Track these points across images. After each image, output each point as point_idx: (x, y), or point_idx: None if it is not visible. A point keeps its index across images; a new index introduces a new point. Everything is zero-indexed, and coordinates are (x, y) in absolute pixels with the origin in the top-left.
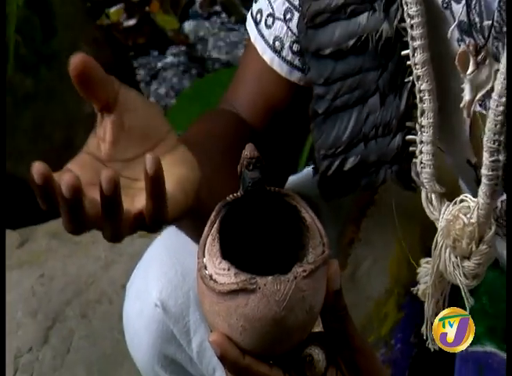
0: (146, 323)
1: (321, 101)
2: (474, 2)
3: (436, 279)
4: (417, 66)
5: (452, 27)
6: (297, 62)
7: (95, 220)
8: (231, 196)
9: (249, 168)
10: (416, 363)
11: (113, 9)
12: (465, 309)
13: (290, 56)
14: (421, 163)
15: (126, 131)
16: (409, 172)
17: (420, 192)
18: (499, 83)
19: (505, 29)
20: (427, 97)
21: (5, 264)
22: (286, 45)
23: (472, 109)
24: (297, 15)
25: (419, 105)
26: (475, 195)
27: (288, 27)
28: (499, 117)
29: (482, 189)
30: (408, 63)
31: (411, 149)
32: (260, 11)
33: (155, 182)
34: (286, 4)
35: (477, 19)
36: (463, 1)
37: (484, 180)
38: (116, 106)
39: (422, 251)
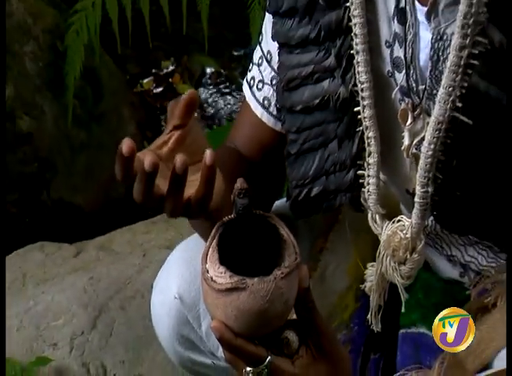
0: (167, 311)
1: (293, 144)
2: (411, 72)
3: (379, 278)
4: (366, 120)
5: (395, 90)
6: (280, 116)
7: (159, 197)
8: (226, 217)
9: (239, 196)
10: (369, 341)
11: (145, 80)
12: (401, 301)
13: (275, 112)
14: (368, 191)
15: (184, 145)
16: (359, 198)
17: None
18: (429, 133)
19: (435, 91)
20: (372, 142)
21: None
22: (273, 103)
23: (410, 151)
24: None
25: (367, 148)
26: (411, 216)
27: (274, 90)
28: (429, 159)
29: (415, 212)
30: (359, 117)
31: (361, 181)
32: (253, 78)
33: (210, 171)
34: (272, 73)
35: (414, 85)
36: (404, 71)
37: (416, 205)
38: (185, 128)
39: (372, 257)
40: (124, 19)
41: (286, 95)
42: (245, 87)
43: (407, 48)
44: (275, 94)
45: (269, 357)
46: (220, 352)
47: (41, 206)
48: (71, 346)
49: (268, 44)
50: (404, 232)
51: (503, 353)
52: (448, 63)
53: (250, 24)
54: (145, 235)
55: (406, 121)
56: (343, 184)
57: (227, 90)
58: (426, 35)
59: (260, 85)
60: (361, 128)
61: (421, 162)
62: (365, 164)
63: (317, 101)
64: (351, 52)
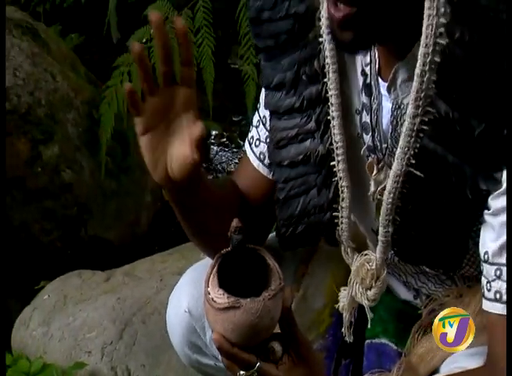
0: (179, 322)
1: (281, 191)
2: (376, 134)
3: (350, 300)
4: (340, 172)
5: (364, 148)
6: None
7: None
8: (224, 250)
9: (235, 233)
10: (341, 349)
11: None
12: (367, 318)
13: (269, 164)
14: (341, 229)
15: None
16: (334, 235)
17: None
18: (389, 184)
19: (395, 149)
20: (345, 190)
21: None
22: (267, 157)
23: (375, 196)
24: None
25: (340, 195)
26: (375, 250)
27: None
28: (389, 205)
29: (378, 248)
30: (334, 169)
31: (336, 221)
32: (252, 137)
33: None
34: (267, 133)
35: (378, 144)
36: (370, 133)
37: (379, 243)
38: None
39: (345, 281)
40: None
41: (276, 152)
42: (246, 144)
43: (372, 115)
44: None
45: (258, 363)
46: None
47: (80, 241)
48: (102, 353)
49: (264, 110)
50: (370, 264)
51: (448, 360)
52: (404, 128)
53: (246, 96)
54: (161, 264)
55: (372, 172)
56: (321, 223)
57: (228, 148)
58: (387, 105)
59: (257, 143)
60: (336, 178)
61: (383, 207)
62: (340, 208)
63: (301, 157)
64: (328, 117)
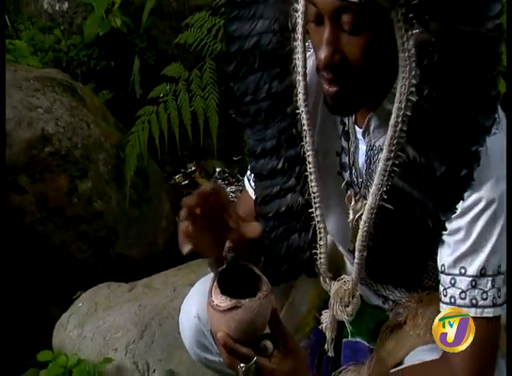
0: (189, 325)
1: (267, 239)
2: (353, 171)
3: (332, 319)
4: (317, 216)
5: (343, 183)
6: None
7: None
8: (220, 268)
9: (228, 252)
10: (322, 347)
11: (177, 176)
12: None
13: None
14: (320, 264)
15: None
16: (314, 268)
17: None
18: (365, 214)
19: (369, 184)
20: (322, 231)
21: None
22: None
23: (353, 223)
24: None
25: (318, 235)
26: (351, 269)
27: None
28: (364, 233)
29: (354, 271)
30: (312, 215)
31: (314, 257)
32: (250, 175)
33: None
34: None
35: (355, 179)
36: (348, 171)
37: (355, 266)
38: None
39: (324, 292)
40: (162, 137)
41: (262, 207)
42: (245, 180)
43: (350, 156)
44: None
45: (256, 357)
46: None
47: (109, 258)
48: (126, 350)
49: None
50: (347, 285)
51: (411, 354)
52: (378, 169)
53: (244, 140)
54: (175, 277)
55: (351, 203)
56: (303, 261)
57: (230, 182)
58: (362, 147)
59: (253, 179)
60: (313, 222)
61: (359, 234)
62: (318, 246)
63: (283, 209)
64: (306, 174)
